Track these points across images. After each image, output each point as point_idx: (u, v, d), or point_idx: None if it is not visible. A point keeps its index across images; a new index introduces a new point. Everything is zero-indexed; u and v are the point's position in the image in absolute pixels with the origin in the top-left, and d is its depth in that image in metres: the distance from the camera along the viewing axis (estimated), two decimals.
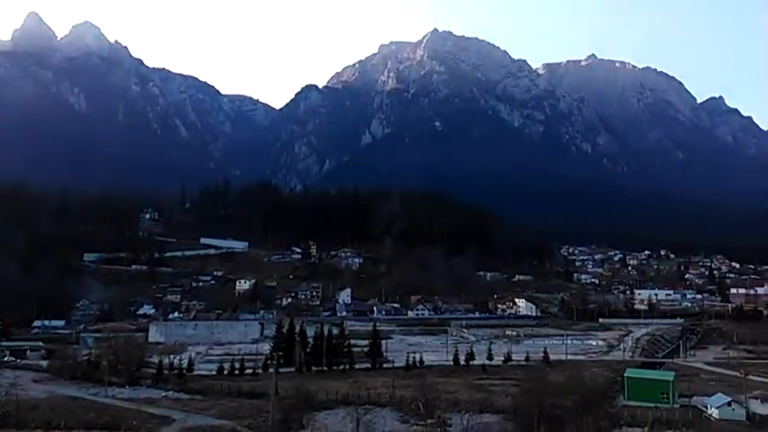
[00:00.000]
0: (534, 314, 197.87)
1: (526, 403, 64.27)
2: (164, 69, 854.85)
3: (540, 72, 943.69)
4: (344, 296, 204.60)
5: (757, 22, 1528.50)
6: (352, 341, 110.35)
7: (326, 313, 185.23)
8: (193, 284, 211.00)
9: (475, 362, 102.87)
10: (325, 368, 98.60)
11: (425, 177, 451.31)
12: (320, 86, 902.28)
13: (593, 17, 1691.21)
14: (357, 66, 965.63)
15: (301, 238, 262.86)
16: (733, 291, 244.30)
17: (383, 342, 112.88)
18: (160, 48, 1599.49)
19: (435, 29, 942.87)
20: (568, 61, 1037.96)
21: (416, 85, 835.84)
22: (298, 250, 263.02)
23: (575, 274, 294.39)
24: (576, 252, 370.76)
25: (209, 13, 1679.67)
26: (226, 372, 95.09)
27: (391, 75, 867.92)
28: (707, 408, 69.05)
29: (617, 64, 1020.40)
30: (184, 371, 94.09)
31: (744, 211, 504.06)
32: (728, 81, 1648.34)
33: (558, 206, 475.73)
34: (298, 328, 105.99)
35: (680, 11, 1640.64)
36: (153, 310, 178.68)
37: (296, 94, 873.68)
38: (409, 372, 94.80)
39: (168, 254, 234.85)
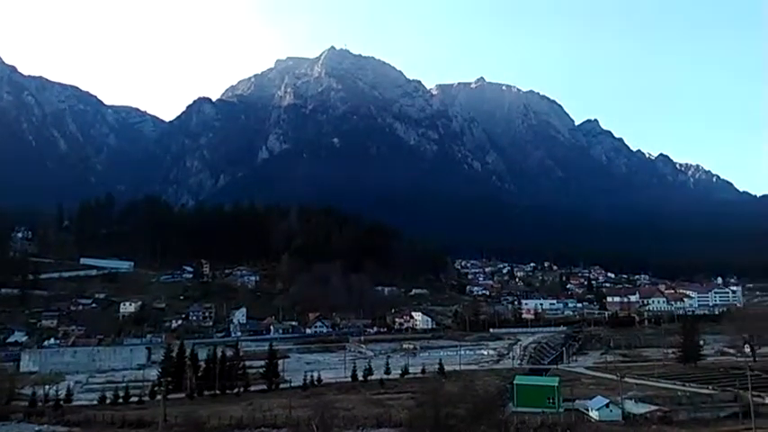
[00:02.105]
0: (430, 327, 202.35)
1: (422, 415, 65.35)
2: (41, 77, 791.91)
3: (434, 92, 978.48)
4: (239, 316, 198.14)
5: (627, 52, 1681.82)
6: (248, 362, 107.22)
7: (220, 334, 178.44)
8: (72, 308, 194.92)
9: (373, 377, 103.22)
10: (218, 392, 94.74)
11: (324, 193, 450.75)
12: (214, 99, 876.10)
13: (481, 42, 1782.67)
14: (253, 80, 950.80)
15: (193, 256, 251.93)
16: (609, 299, 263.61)
17: (280, 362, 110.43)
18: (37, 54, 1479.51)
19: (333, 46, 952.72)
20: (459, 83, 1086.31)
21: (314, 101, 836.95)
22: (189, 269, 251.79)
23: (467, 287, 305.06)
24: (469, 265, 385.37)
25: (92, 18, 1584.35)
26: (109, 401, 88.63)
27: (289, 90, 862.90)
28: (588, 410, 73.55)
29: (503, 87, 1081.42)
30: (61, 402, 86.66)
31: (617, 224, 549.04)
32: (602, 105, 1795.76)
33: (452, 221, 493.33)
34: (188, 352, 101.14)
35: (559, 40, 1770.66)
36: (26, 337, 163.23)
37: (187, 107, 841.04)
38: (307, 391, 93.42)
39: (44, 275, 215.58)
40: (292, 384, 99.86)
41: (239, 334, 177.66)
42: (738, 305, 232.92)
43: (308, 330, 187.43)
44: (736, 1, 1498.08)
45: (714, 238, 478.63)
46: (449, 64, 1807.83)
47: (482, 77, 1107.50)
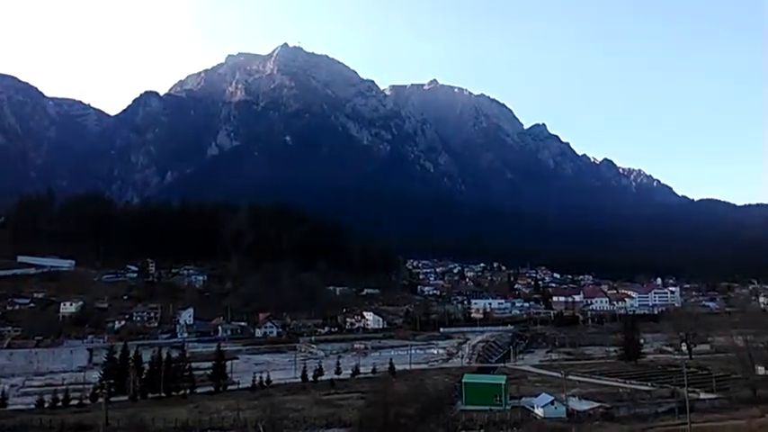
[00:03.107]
0: (381, 326, 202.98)
1: (372, 415, 65.49)
2: None
3: (388, 93, 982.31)
4: (186, 316, 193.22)
5: (572, 59, 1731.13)
6: (195, 364, 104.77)
7: (166, 335, 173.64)
8: (8, 308, 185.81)
9: (323, 377, 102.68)
10: (163, 394, 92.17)
11: (275, 191, 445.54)
12: (161, 93, 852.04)
13: (435, 44, 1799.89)
14: (203, 74, 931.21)
15: (138, 255, 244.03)
16: (555, 299, 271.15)
17: (228, 363, 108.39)
18: None
19: (286, 43, 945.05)
20: (413, 84, 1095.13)
21: (266, 98, 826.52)
22: (134, 268, 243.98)
23: (419, 287, 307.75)
24: (420, 265, 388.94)
25: (32, 5, 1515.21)
26: (47, 404, 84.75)
27: (240, 86, 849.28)
28: (533, 407, 75.26)
29: (456, 90, 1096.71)
30: None
31: (562, 226, 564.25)
32: (550, 110, 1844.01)
33: (404, 221, 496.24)
34: (132, 353, 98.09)
35: (509, 44, 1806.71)
36: None
37: (134, 100, 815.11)
38: (256, 392, 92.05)
39: None
40: (241, 386, 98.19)
41: (186, 335, 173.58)
42: (676, 305, 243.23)
43: (258, 331, 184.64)
44: (678, 9, 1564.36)
45: (654, 240, 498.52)
46: (402, 65, 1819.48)
47: (435, 79, 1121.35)
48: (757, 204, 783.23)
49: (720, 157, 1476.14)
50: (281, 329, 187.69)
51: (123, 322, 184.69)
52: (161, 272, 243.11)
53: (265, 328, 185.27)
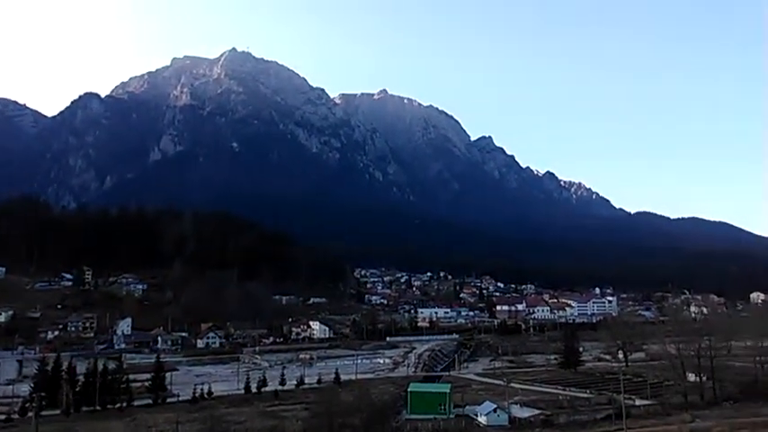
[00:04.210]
0: (328, 336, 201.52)
1: (316, 426, 64.91)
2: None
3: (337, 102, 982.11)
4: (124, 327, 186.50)
5: (517, 73, 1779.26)
6: (133, 376, 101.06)
7: (102, 346, 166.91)
8: None
9: (267, 388, 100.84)
10: (98, 408, 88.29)
11: (220, 198, 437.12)
12: (102, 96, 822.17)
13: (385, 54, 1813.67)
14: (146, 77, 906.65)
15: (74, 262, 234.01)
16: (498, 308, 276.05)
17: (168, 374, 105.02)
18: None
19: (234, 48, 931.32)
20: (363, 93, 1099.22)
21: (212, 103, 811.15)
22: (69, 276, 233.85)
23: (366, 296, 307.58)
24: (368, 274, 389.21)
25: None
26: None
27: (185, 90, 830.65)
28: (477, 415, 76.19)
29: (405, 100, 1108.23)
30: None
31: (507, 236, 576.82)
32: (495, 123, 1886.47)
33: (352, 230, 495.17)
34: (66, 365, 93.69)
35: (459, 58, 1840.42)
36: None
37: (72, 102, 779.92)
38: (196, 404, 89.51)
39: None
40: (181, 398, 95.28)
41: (123, 346, 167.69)
42: (614, 314, 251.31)
43: (200, 341, 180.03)
44: (620, 24, 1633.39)
45: (593, 251, 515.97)
46: (352, 74, 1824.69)
47: (385, 89, 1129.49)
48: (690, 218, 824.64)
49: (656, 172, 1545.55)
50: (223, 340, 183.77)
51: (57, 332, 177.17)
52: (98, 280, 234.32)
53: (207, 338, 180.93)
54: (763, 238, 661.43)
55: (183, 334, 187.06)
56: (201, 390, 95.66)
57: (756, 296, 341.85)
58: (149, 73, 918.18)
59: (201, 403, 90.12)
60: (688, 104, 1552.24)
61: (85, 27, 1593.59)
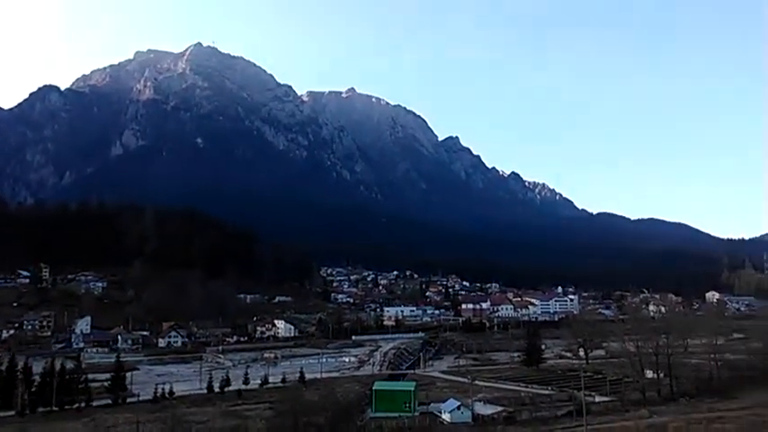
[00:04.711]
0: (293, 335, 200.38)
1: (280, 425, 64.41)
2: None
3: (305, 99, 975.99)
4: (83, 325, 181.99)
5: (489, 74, 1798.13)
6: (92, 375, 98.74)
7: (60, 345, 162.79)
8: None
9: (231, 388, 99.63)
10: (55, 408, 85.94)
11: (184, 195, 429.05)
12: (62, 88, 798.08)
13: (353, 53, 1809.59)
14: (108, 70, 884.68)
15: (31, 259, 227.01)
16: (464, 306, 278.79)
17: (128, 374, 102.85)
18: None
19: (199, 43, 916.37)
20: (330, 91, 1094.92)
21: (177, 97, 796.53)
22: (25, 274, 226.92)
23: (332, 294, 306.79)
24: (334, 273, 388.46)
25: None
26: None
27: (149, 84, 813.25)
28: (441, 412, 76.76)
29: (373, 99, 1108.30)
30: None
31: (473, 236, 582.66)
32: (462, 123, 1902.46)
33: (319, 229, 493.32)
34: (21, 365, 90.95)
35: (426, 55, 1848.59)
36: None
37: (31, 94, 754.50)
38: (158, 404, 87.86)
39: None
40: (141, 398, 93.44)
41: (82, 345, 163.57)
42: (575, 312, 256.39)
43: (162, 341, 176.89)
44: (583, 26, 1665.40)
45: (556, 250, 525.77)
46: (320, 72, 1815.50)
47: (353, 88, 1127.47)
48: (649, 219, 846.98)
49: (617, 173, 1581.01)
50: (186, 339, 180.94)
51: (12, 331, 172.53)
52: (56, 278, 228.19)
53: (169, 337, 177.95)
54: (720, 239, 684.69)
55: (145, 333, 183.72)
56: (163, 389, 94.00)
57: (712, 295, 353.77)
58: (112, 66, 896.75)
59: (163, 403, 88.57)
60: (647, 108, 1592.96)
61: (46, 18, 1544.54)
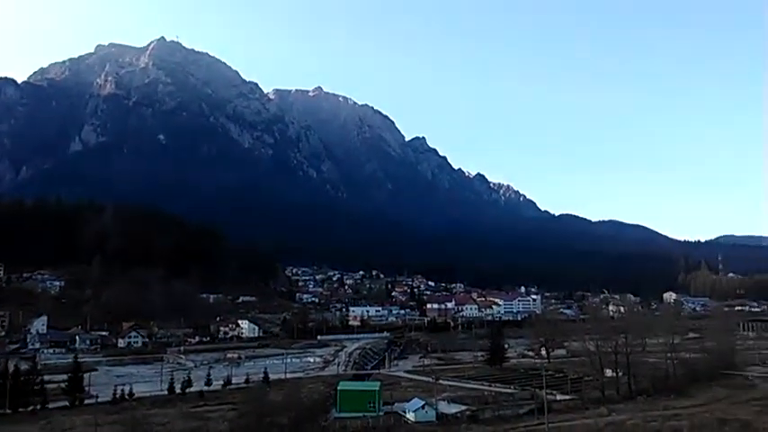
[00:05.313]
0: (257, 335, 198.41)
1: (244, 426, 63.74)
2: None
3: (271, 97, 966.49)
4: (39, 325, 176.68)
5: (450, 76, 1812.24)
6: (48, 376, 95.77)
7: (14, 346, 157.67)
8: None
9: (192, 389, 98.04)
10: (9, 411, 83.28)
11: (146, 192, 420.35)
12: (19, 81, 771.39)
13: (320, 51, 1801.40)
14: (68, 64, 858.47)
15: None
16: (429, 306, 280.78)
17: (87, 375, 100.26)
18: None
19: (163, 37, 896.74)
20: (297, 90, 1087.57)
21: (139, 93, 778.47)
22: None
23: (297, 294, 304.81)
24: (300, 272, 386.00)
25: None
26: None
27: (110, 78, 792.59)
28: (405, 412, 77.09)
29: (341, 98, 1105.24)
30: None
31: (438, 236, 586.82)
32: (429, 124, 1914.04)
33: (285, 228, 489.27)
34: None
35: (395, 57, 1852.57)
36: None
37: None
38: (117, 406, 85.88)
39: None
40: (100, 400, 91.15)
41: (38, 345, 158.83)
42: (538, 312, 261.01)
43: (121, 341, 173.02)
44: (544, 31, 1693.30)
45: (519, 251, 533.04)
46: (287, 70, 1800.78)
47: (320, 87, 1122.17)
48: (609, 220, 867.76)
49: (579, 175, 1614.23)
50: (146, 339, 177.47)
51: None
52: (11, 276, 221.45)
53: (129, 338, 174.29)
54: (677, 240, 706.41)
55: (104, 333, 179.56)
56: (122, 391, 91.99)
57: (669, 296, 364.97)
58: (71, 59, 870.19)
59: (122, 404, 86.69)
60: (607, 113, 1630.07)
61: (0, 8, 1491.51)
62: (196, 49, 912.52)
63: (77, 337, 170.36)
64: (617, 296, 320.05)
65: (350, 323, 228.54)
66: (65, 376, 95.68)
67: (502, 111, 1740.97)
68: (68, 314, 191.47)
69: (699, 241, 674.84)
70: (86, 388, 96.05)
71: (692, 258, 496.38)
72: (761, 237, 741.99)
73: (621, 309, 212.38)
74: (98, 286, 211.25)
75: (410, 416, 74.97)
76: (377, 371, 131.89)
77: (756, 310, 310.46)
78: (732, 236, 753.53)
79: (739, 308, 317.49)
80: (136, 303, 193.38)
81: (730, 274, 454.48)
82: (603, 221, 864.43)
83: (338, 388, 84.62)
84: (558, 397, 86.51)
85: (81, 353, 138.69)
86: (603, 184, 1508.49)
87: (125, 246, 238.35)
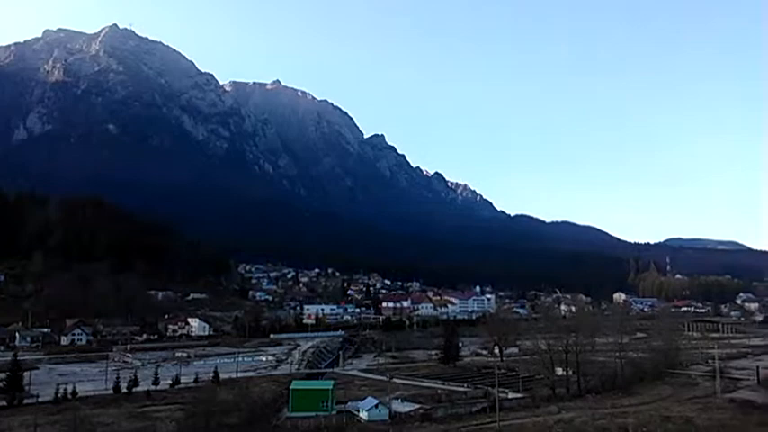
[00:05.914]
0: (208, 333, 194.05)
1: (192, 426, 61.97)
2: None
3: (227, 89, 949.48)
4: None
5: (411, 76, 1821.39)
6: None
7: None
8: None
9: (139, 388, 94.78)
10: None
11: (93, 184, 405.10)
12: None
13: (279, 44, 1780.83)
14: (13, 48, 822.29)
15: None
16: (384, 304, 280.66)
17: (27, 374, 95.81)
18: None
19: (115, 24, 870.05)
20: (255, 83, 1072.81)
21: (88, 80, 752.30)
22: None
23: (250, 292, 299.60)
24: (253, 269, 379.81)
25: None
26: None
27: (58, 65, 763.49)
28: (358, 411, 76.45)
29: (299, 93, 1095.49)
30: None
31: (395, 234, 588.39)
32: (388, 122, 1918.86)
33: (239, 223, 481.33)
34: None
35: (353, 52, 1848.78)
36: None
37: None
38: (59, 405, 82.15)
39: None
40: (40, 399, 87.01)
41: None
42: (491, 311, 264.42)
43: (64, 338, 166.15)
44: (506, 31, 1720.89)
45: (475, 250, 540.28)
46: (244, 62, 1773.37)
47: (278, 80, 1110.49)
48: (562, 222, 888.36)
49: (534, 177, 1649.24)
50: (91, 337, 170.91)
51: None
52: None
53: (73, 335, 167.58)
54: (627, 242, 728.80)
55: (45, 330, 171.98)
56: (65, 390, 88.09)
57: (619, 296, 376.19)
58: (17, 44, 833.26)
59: (65, 404, 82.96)
60: (564, 116, 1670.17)
61: None
62: (150, 38, 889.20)
63: (17, 334, 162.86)
64: (569, 296, 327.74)
65: (304, 321, 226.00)
66: (3, 375, 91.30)
67: (461, 110, 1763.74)
68: (8, 310, 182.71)
69: (648, 243, 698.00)
70: (26, 387, 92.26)
71: (642, 260, 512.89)
72: (707, 240, 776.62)
73: (573, 308, 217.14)
74: (40, 281, 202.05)
75: (363, 415, 74.37)
76: (331, 370, 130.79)
77: (701, 310, 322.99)
78: (680, 239, 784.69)
79: (685, 308, 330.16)
80: (80, 299, 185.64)
81: (677, 276, 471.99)
82: (557, 222, 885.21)
83: (291, 387, 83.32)
84: (510, 395, 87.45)
85: (21, 350, 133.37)
86: (559, 186, 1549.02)
87: (69, 239, 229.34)
